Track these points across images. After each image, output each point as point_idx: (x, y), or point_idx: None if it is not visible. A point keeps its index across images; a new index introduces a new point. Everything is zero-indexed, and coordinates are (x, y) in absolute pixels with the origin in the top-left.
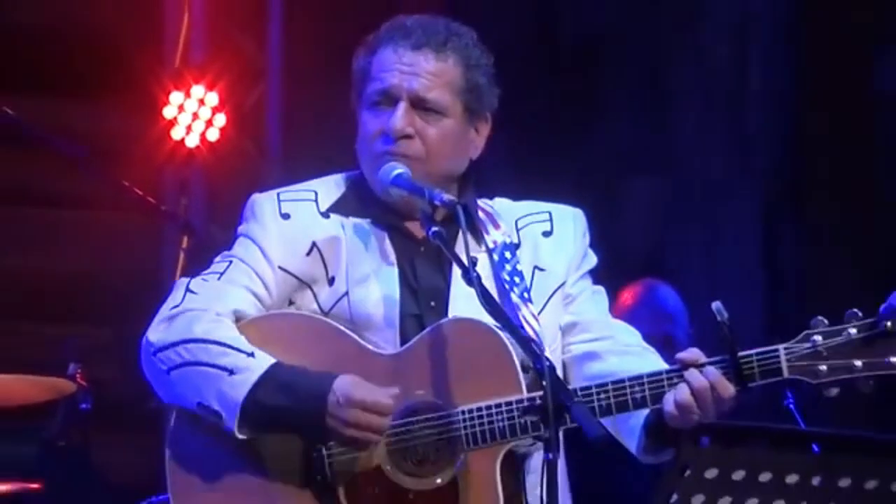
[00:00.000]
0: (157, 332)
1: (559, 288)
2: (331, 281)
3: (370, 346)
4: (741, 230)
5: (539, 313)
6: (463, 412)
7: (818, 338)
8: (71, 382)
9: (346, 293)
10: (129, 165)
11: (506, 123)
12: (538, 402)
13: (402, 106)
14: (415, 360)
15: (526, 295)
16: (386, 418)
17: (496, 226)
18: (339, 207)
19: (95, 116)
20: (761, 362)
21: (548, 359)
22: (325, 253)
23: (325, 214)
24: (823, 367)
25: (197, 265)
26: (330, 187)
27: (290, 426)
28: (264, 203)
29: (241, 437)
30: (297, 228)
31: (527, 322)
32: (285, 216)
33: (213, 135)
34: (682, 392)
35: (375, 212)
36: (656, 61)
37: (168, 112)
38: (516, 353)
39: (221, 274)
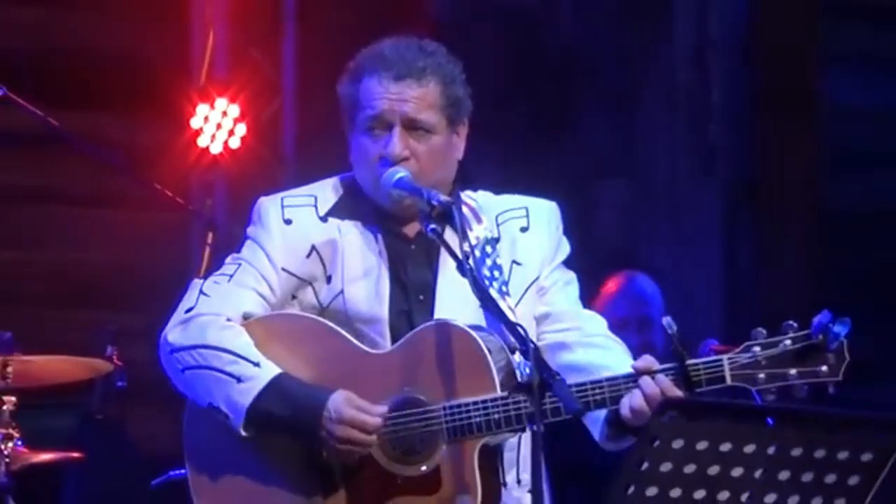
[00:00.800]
0: (173, 333)
1: (534, 281)
2: (328, 279)
3: (361, 345)
4: (703, 232)
5: (516, 305)
6: (444, 408)
7: (757, 349)
8: (108, 363)
9: (342, 291)
10: (160, 170)
11: (492, 129)
12: (524, 381)
13: (397, 132)
14: (402, 359)
15: (504, 288)
16: (372, 436)
17: (479, 220)
18: (335, 211)
19: (130, 127)
20: (707, 371)
21: (532, 341)
22: (324, 254)
23: (324, 219)
24: (762, 376)
25: (220, 258)
26: (327, 191)
27: (288, 433)
28: (270, 208)
29: (245, 435)
30: (298, 233)
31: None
32: (288, 222)
33: (234, 143)
34: (636, 398)
35: (368, 214)
36: (626, 76)
37: (194, 123)
38: (492, 357)
39: (231, 276)
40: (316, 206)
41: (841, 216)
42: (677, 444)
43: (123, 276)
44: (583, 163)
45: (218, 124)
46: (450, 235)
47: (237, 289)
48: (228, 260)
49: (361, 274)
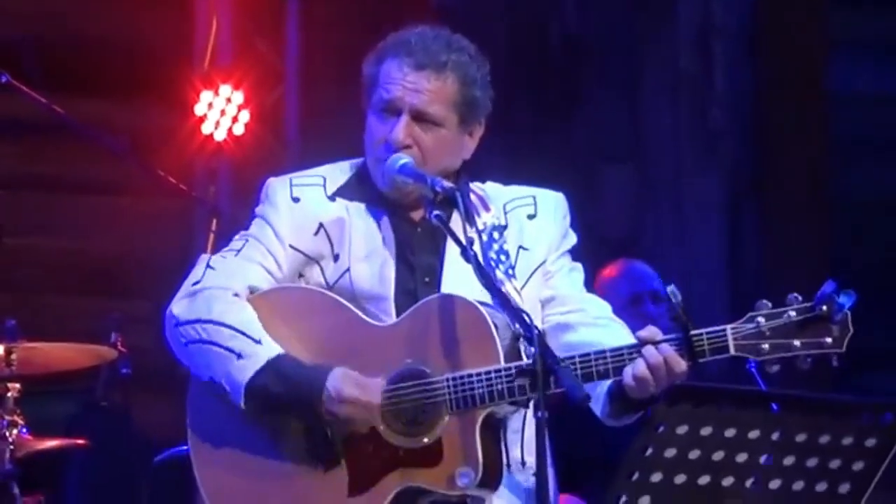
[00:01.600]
0: (179, 307)
1: (540, 266)
2: (335, 258)
3: (366, 317)
4: (707, 217)
5: (521, 288)
6: (447, 379)
7: (761, 319)
8: (112, 350)
9: (348, 269)
10: (164, 157)
11: (498, 116)
12: (528, 367)
13: (404, 119)
14: (406, 331)
15: (510, 272)
16: (373, 412)
17: (486, 208)
18: (343, 192)
19: (134, 114)
20: (710, 340)
21: (536, 327)
22: (331, 232)
23: (332, 198)
24: (766, 346)
25: (224, 245)
26: (336, 173)
27: (288, 411)
28: (278, 187)
29: (246, 409)
30: (306, 211)
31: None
32: (296, 200)
33: (238, 129)
34: (639, 366)
35: (376, 197)
36: (631, 63)
37: (198, 109)
38: (497, 328)
39: (238, 251)
40: (324, 186)
41: (847, 204)
42: (682, 429)
43: (127, 263)
44: (587, 149)
45: (222, 111)
46: (455, 222)
47: (244, 263)
48: (237, 237)
49: (368, 253)
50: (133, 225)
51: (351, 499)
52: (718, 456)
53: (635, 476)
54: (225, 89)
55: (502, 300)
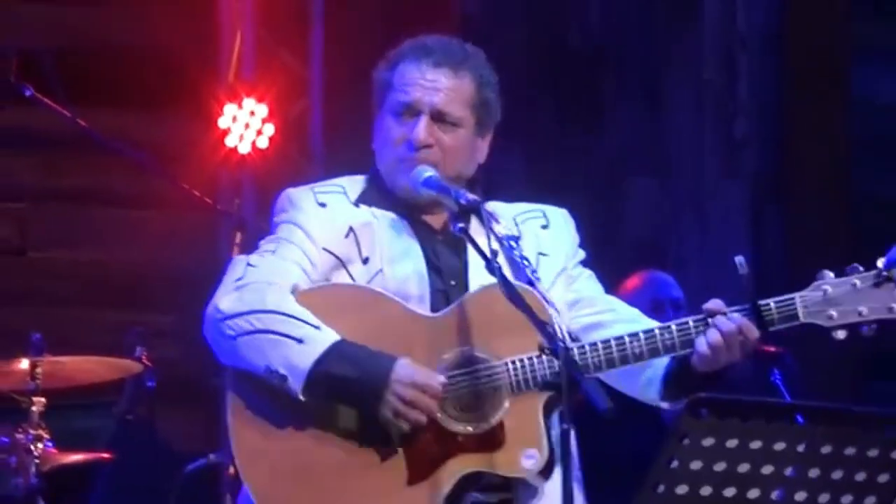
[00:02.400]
0: (227, 301)
1: (562, 271)
2: (365, 260)
3: (413, 309)
4: (730, 226)
5: (547, 291)
6: (507, 363)
7: (828, 287)
8: (137, 363)
9: (381, 269)
10: (188, 169)
11: (519, 128)
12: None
13: (424, 119)
14: (456, 321)
15: (536, 275)
16: (436, 402)
17: (497, 222)
18: (365, 199)
19: (159, 127)
20: (779, 309)
21: (562, 340)
22: (360, 236)
23: (356, 204)
24: (834, 313)
25: None
26: (354, 184)
27: (350, 396)
28: (301, 195)
29: (303, 399)
30: (335, 214)
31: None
32: (322, 205)
33: (262, 142)
34: (713, 335)
35: (394, 203)
36: (654, 73)
37: (223, 122)
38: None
39: (274, 252)
40: (346, 194)
41: (872, 211)
42: (707, 441)
43: (152, 277)
44: (610, 159)
45: (246, 124)
46: (475, 231)
47: (282, 262)
48: (264, 242)
49: (400, 253)
50: (157, 238)
51: (410, 488)
52: (744, 468)
53: (661, 488)
54: (249, 102)
55: (527, 311)
